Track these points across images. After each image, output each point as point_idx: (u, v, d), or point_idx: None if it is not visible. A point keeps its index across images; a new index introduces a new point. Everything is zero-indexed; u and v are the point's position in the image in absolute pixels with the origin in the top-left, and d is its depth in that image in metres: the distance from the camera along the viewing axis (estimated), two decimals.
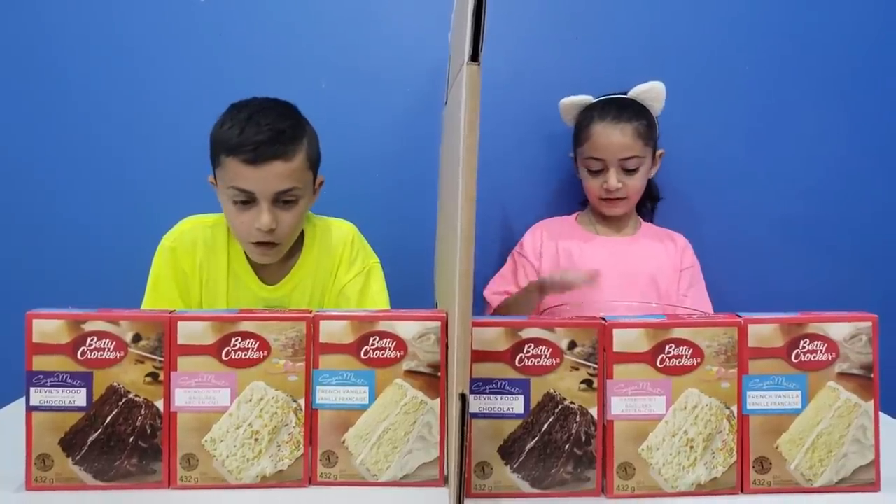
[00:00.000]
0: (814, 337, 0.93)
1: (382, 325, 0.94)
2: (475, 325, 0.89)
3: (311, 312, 0.95)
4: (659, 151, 1.60)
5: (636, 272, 1.56)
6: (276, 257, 1.38)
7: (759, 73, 1.77)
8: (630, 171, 1.54)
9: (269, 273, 1.43)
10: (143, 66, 1.71)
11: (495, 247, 1.80)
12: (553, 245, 1.64)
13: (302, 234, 1.45)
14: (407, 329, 0.94)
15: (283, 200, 1.31)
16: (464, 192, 0.75)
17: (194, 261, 1.40)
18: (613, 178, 1.54)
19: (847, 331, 0.94)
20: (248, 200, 1.29)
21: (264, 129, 1.26)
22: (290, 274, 1.43)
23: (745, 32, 1.77)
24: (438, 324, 0.94)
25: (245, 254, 1.41)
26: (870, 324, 0.94)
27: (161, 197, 1.72)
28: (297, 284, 1.43)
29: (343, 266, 1.45)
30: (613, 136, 1.53)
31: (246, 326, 0.93)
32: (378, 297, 1.45)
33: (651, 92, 1.57)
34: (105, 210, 1.73)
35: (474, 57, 0.74)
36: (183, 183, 1.67)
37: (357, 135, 1.72)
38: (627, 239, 1.62)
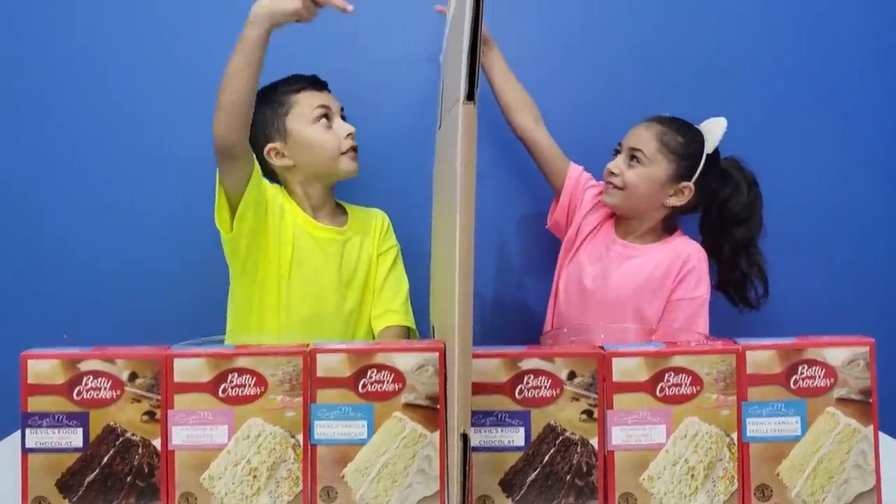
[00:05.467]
0: (811, 362, 0.94)
1: (380, 358, 0.94)
2: (474, 356, 0.88)
3: (307, 346, 0.94)
4: (685, 184, 1.54)
5: (623, 298, 1.56)
6: (357, 165, 1.56)
7: (753, 87, 1.78)
8: (632, 162, 1.54)
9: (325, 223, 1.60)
10: (132, 98, 1.73)
11: (490, 264, 1.80)
12: (586, 207, 1.67)
13: (345, 209, 1.65)
14: (405, 361, 0.94)
15: (342, 116, 1.57)
16: (461, 229, 0.75)
17: (274, 196, 1.53)
18: (615, 160, 1.57)
19: (844, 356, 0.94)
20: (328, 116, 1.53)
21: (311, 75, 1.57)
22: (344, 228, 1.60)
23: (737, 42, 1.79)
24: (436, 355, 0.93)
25: (301, 209, 1.56)
26: (867, 348, 0.94)
27: (157, 230, 1.73)
28: (349, 238, 1.59)
29: (383, 234, 1.66)
30: (638, 128, 1.57)
31: (242, 362, 0.93)
32: (404, 277, 1.66)
33: (710, 125, 1.57)
34: (100, 242, 1.73)
35: (470, 96, 0.74)
36: (179, 214, 1.68)
37: None
38: (632, 247, 1.60)
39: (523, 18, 1.77)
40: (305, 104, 1.51)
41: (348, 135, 1.53)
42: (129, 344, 1.45)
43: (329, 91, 1.57)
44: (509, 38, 1.68)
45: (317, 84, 1.55)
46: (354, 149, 1.55)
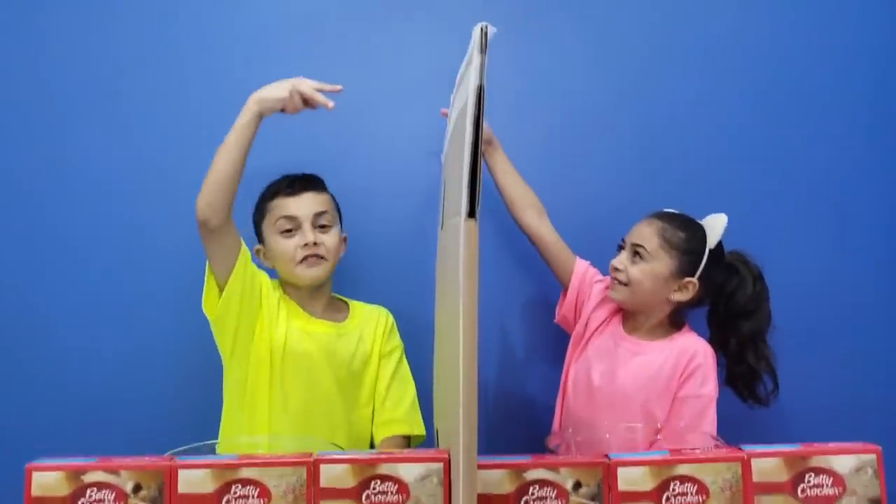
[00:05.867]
0: (819, 470, 0.93)
1: (384, 468, 0.93)
2: (479, 466, 0.88)
3: (311, 456, 0.94)
4: (689, 279, 1.55)
5: (631, 395, 1.55)
6: (323, 271, 1.56)
7: (755, 182, 1.82)
8: (635, 258, 1.55)
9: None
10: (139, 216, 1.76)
11: (494, 357, 1.80)
12: (594, 302, 1.67)
13: (348, 305, 1.66)
14: (409, 471, 0.93)
15: (320, 225, 1.56)
16: (465, 346, 0.76)
17: (269, 289, 1.57)
18: (619, 256, 1.59)
19: (852, 463, 0.93)
20: (291, 229, 1.54)
21: (296, 174, 1.60)
22: (342, 323, 1.61)
23: (738, 139, 1.83)
24: (441, 465, 0.93)
25: (296, 303, 1.58)
26: (874, 456, 0.93)
27: (153, 324, 1.75)
28: (345, 333, 1.60)
29: (386, 333, 1.65)
30: (640, 224, 1.59)
31: (246, 473, 0.93)
32: (409, 379, 1.66)
33: (711, 220, 1.59)
34: (96, 336, 1.75)
35: (471, 213, 0.76)
36: (176, 306, 1.70)
37: (352, 249, 1.72)
38: (640, 344, 1.60)
39: (526, 115, 1.82)
40: (272, 214, 1.56)
41: (305, 244, 1.53)
42: (129, 439, 1.46)
43: (313, 190, 1.58)
44: (512, 135, 1.72)
45: (291, 188, 1.57)
46: (316, 255, 1.54)
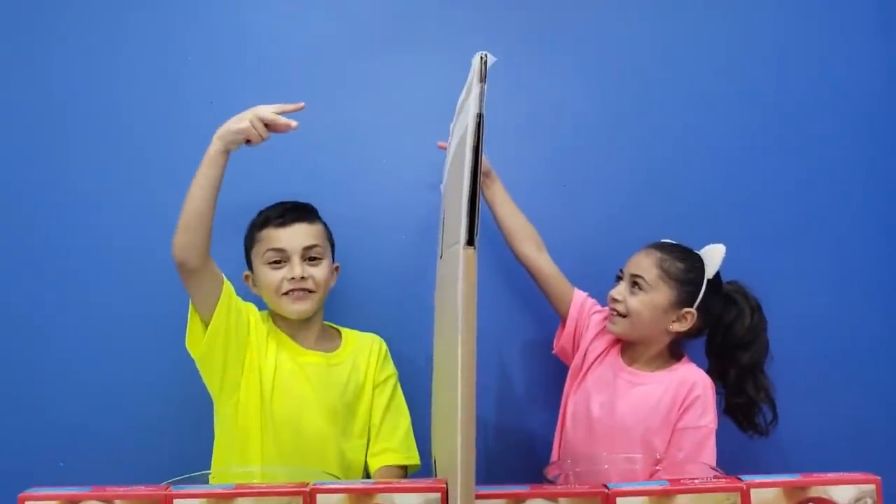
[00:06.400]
0: (818, 500, 0.92)
1: (381, 499, 0.92)
2: (477, 496, 0.88)
3: (307, 486, 0.94)
4: (687, 310, 1.55)
5: (630, 427, 1.55)
6: (310, 305, 1.54)
7: (753, 213, 1.83)
8: (633, 289, 1.56)
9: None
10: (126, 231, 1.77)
11: (492, 389, 1.80)
12: (592, 333, 1.66)
13: (341, 333, 1.65)
14: (406, 501, 0.92)
15: (309, 257, 1.54)
16: (463, 375, 0.76)
17: (258, 322, 1.56)
18: (618, 287, 1.59)
19: (851, 493, 0.93)
20: (280, 260, 1.53)
21: (289, 203, 1.59)
22: (333, 353, 1.60)
23: (737, 169, 1.85)
24: (439, 495, 0.92)
25: (285, 334, 1.57)
26: (873, 486, 0.93)
27: (148, 354, 1.74)
28: (337, 363, 1.59)
29: (379, 362, 1.63)
30: (638, 255, 1.59)
31: (242, 503, 0.92)
32: (403, 408, 1.64)
33: (709, 251, 1.59)
34: (91, 366, 1.74)
35: (470, 241, 0.77)
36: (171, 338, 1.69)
37: (351, 278, 1.73)
38: (639, 375, 1.60)
39: (524, 146, 1.83)
40: (261, 244, 1.55)
41: (292, 278, 1.51)
42: (124, 468, 1.44)
43: (305, 221, 1.56)
44: (510, 166, 1.73)
45: (282, 219, 1.55)
46: (302, 289, 1.53)
